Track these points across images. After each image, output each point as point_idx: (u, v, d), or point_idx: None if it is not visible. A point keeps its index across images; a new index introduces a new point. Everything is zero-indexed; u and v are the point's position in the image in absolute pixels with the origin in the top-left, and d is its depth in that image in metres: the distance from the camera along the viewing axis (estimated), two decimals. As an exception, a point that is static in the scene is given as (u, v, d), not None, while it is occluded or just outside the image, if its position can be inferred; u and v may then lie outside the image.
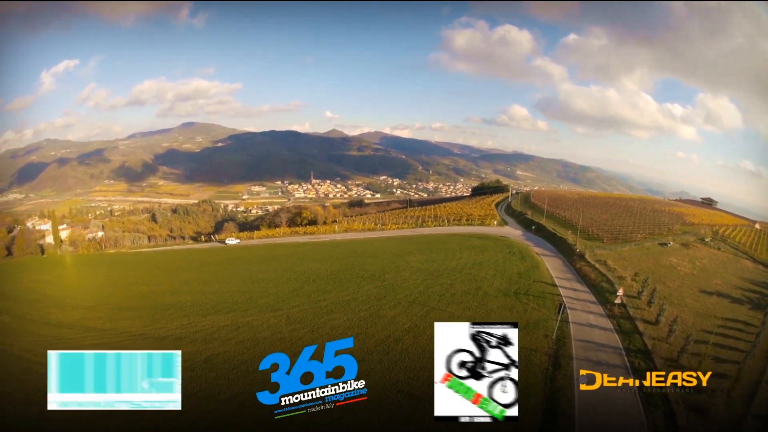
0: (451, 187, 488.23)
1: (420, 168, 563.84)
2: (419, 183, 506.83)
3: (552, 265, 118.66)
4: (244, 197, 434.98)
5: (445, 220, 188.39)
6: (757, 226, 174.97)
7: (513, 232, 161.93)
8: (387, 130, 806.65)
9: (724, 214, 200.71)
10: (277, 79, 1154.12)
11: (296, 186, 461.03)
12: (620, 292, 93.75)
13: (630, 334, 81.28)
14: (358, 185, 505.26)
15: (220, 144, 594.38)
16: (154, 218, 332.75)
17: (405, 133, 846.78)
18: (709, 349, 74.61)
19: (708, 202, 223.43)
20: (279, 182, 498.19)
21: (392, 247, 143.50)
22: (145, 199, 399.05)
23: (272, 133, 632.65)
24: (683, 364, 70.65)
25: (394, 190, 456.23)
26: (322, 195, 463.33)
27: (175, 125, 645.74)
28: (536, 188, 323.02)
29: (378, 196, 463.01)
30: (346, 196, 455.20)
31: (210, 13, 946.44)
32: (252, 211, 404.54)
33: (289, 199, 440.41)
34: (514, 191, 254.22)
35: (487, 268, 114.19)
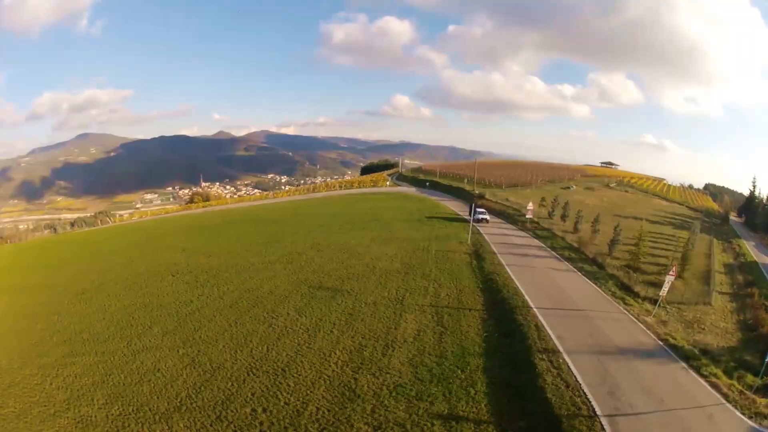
0: (339, 179, 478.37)
1: (307, 164, 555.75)
2: (307, 178, 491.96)
3: (453, 205, 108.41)
4: (137, 206, 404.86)
5: (338, 187, 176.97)
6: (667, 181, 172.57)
7: (407, 189, 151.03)
8: (273, 129, 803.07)
9: (629, 173, 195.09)
10: (164, 82, 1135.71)
11: (186, 191, 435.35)
12: (530, 206, 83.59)
13: (550, 239, 72.87)
14: (246, 185, 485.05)
15: (112, 153, 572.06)
16: (55, 232, 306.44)
17: (290, 130, 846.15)
18: (645, 246, 65.16)
19: (608, 165, 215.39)
20: (170, 188, 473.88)
21: (287, 208, 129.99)
22: (47, 216, 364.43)
23: (162, 139, 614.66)
24: (618, 257, 63.51)
25: (283, 187, 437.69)
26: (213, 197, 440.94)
27: (70, 137, 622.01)
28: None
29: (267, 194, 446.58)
30: (236, 196, 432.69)
31: (106, 20, 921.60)
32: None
33: (181, 204, 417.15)
34: (404, 163, 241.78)
35: (385, 210, 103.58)
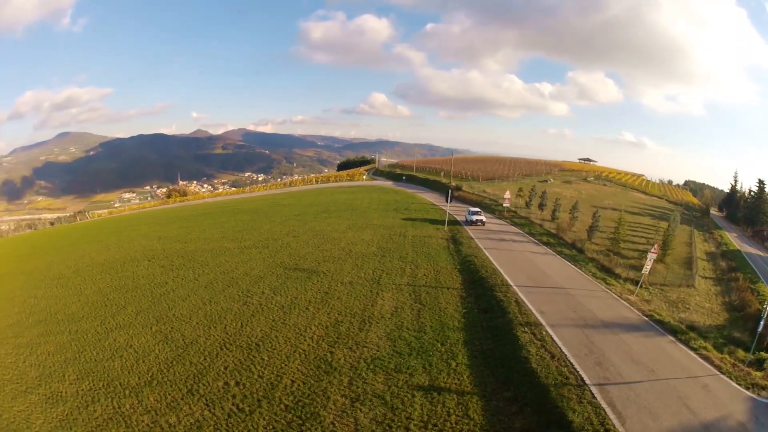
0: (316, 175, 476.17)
1: (284, 162, 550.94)
2: (284, 177, 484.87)
3: (429, 196, 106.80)
4: (116, 205, 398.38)
5: (314, 181, 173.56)
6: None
7: (384, 183, 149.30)
8: (251, 127, 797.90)
9: (607, 168, 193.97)
10: (144, 80, 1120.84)
11: (164, 190, 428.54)
12: (507, 194, 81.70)
13: (528, 226, 71.36)
14: (224, 184, 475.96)
15: (91, 152, 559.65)
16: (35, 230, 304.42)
17: (268, 128, 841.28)
18: (624, 230, 64.68)
19: (586, 161, 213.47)
20: (148, 187, 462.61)
21: (263, 200, 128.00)
22: (27, 216, 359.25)
23: (140, 138, 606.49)
24: (597, 243, 62.46)
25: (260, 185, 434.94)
26: (190, 193, 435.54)
27: (51, 136, 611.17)
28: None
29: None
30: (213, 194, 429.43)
31: (89, 18, 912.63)
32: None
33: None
34: (381, 160, 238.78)
35: (362, 200, 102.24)
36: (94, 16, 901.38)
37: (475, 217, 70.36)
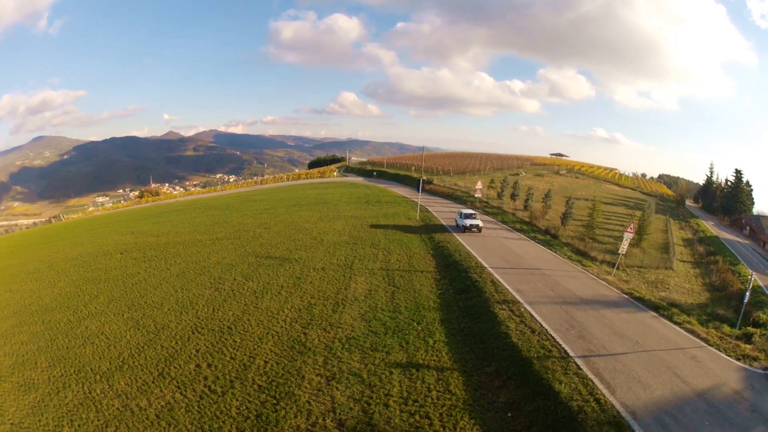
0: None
1: (255, 162, 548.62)
2: (255, 177, 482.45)
3: (400, 190, 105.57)
4: (89, 209, 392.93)
5: (285, 179, 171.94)
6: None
7: (355, 179, 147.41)
8: (222, 128, 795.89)
9: (578, 162, 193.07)
10: (116, 83, 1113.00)
11: (137, 192, 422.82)
12: (479, 185, 79.52)
13: (501, 214, 70.62)
14: (195, 185, 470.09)
15: (65, 156, 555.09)
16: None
17: (238, 129, 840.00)
18: (599, 216, 65.85)
19: (558, 155, 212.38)
20: (121, 190, 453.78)
21: (235, 197, 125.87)
22: (4, 222, 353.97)
23: (113, 141, 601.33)
24: (571, 230, 62.33)
25: (231, 184, 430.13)
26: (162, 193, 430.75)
27: (27, 141, 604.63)
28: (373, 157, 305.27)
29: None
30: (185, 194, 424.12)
31: (65, 20, 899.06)
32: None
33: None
34: (352, 159, 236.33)
35: (333, 194, 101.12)
36: (70, 18, 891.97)
37: (468, 222, 56.17)
